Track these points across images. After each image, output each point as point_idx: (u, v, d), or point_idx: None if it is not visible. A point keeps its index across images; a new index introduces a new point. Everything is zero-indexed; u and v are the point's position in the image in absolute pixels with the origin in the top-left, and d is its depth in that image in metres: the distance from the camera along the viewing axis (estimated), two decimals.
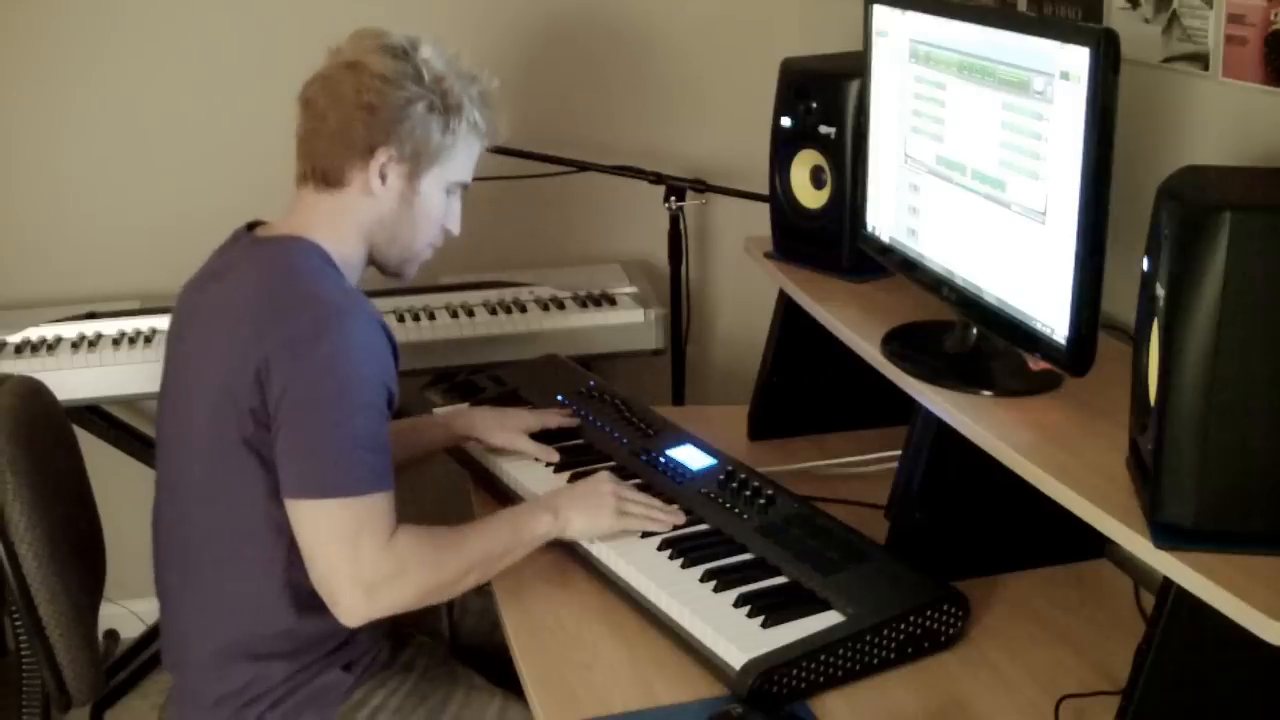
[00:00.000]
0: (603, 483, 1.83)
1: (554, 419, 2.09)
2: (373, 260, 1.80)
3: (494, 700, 1.76)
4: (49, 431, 1.86)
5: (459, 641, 2.04)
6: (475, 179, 1.84)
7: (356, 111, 1.69)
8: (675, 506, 1.84)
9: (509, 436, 2.04)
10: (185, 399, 1.70)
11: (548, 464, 2.01)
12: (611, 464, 1.99)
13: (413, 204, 1.76)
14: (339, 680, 1.72)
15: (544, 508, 1.78)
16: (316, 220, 1.73)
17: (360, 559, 1.58)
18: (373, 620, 1.63)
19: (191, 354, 1.72)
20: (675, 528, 1.81)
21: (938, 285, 1.81)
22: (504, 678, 1.76)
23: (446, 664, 1.84)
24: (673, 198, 2.73)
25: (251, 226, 1.79)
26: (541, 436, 2.05)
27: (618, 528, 1.78)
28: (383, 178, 1.72)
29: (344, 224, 1.74)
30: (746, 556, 1.74)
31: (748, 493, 1.87)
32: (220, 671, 1.69)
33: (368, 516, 1.59)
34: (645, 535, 1.79)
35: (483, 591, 1.80)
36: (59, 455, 1.89)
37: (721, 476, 1.92)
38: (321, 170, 1.73)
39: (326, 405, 1.59)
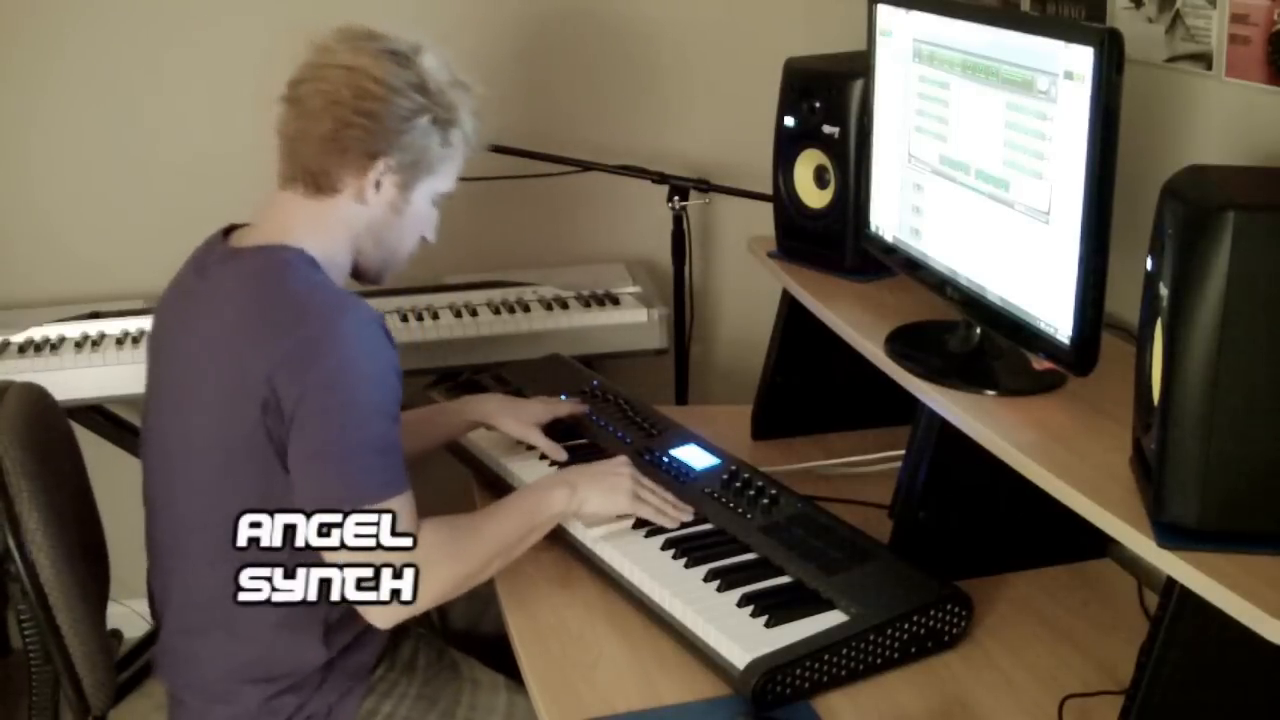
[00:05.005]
0: (621, 465, 1.84)
1: (565, 408, 2.10)
2: (354, 265, 1.77)
3: (499, 695, 1.77)
4: (54, 436, 1.86)
5: (449, 628, 2.04)
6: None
7: (355, 118, 1.64)
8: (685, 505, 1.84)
9: (522, 428, 2.04)
10: (180, 415, 1.68)
11: (553, 462, 2.01)
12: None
13: (403, 213, 1.73)
14: (352, 691, 1.72)
15: (560, 483, 1.78)
16: (300, 224, 1.68)
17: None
18: (402, 620, 1.62)
19: (185, 370, 1.68)
20: (681, 525, 1.81)
21: (941, 285, 1.81)
22: (497, 662, 1.77)
23: (445, 656, 1.84)
24: (676, 197, 2.73)
25: (228, 232, 1.73)
26: (549, 431, 2.05)
27: (632, 512, 1.79)
28: (377, 186, 1.69)
29: (330, 229, 1.70)
30: (750, 556, 1.74)
31: (751, 492, 1.87)
32: (228, 695, 1.69)
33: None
34: (649, 534, 1.80)
35: None
36: (64, 459, 1.88)
37: (725, 476, 1.92)
38: (312, 174, 1.68)
39: (338, 415, 1.57)
